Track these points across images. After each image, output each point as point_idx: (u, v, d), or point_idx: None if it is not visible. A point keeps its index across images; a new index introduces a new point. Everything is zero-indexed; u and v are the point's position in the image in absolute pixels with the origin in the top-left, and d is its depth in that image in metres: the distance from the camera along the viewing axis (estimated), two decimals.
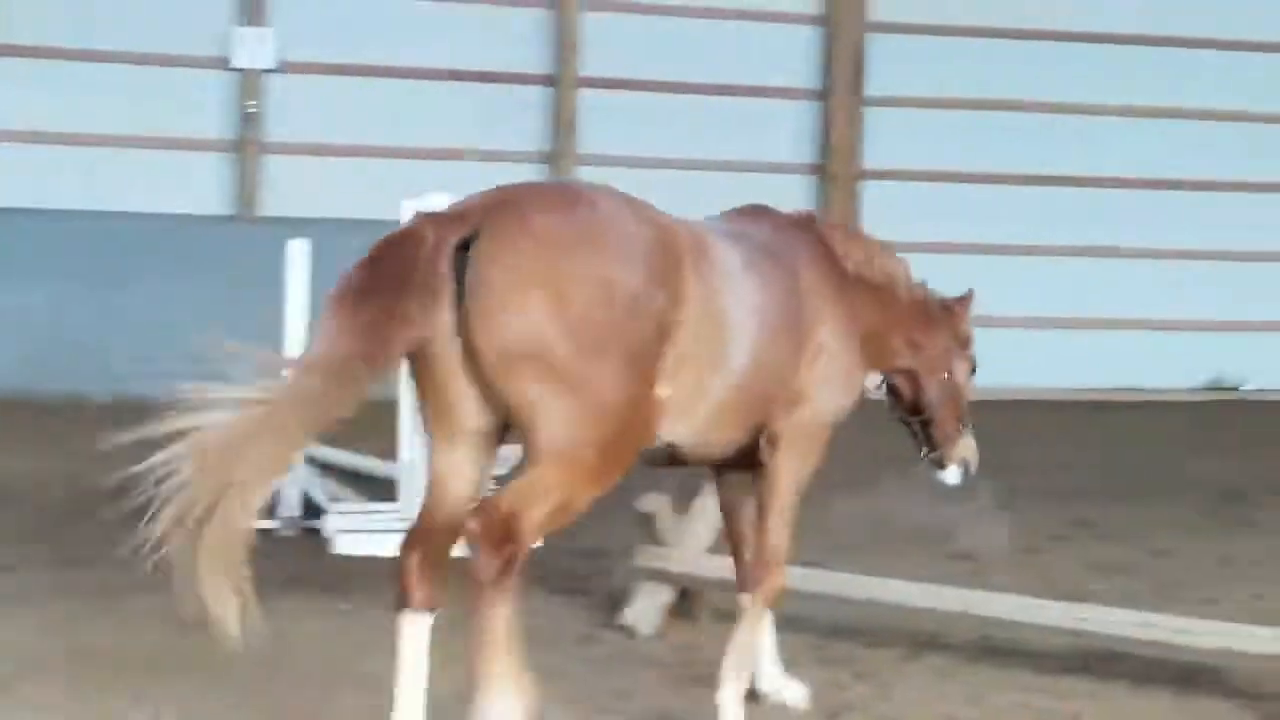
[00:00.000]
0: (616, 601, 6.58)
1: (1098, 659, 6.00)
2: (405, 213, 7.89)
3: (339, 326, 4.28)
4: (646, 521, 6.62)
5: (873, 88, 14.65)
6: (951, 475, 5.86)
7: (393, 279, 4.30)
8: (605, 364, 4.38)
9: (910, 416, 5.85)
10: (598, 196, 4.65)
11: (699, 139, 14.25)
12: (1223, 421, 13.35)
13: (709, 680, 5.21)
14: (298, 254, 8.41)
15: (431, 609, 4.54)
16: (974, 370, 5.92)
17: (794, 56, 14.59)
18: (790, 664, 5.74)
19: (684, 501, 6.58)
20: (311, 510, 8.06)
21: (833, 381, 5.31)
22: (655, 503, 6.60)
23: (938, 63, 14.66)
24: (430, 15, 13.88)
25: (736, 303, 4.87)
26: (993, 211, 14.68)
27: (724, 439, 5.06)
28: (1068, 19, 14.86)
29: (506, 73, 14.02)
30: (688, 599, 6.59)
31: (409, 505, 7.69)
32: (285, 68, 13.55)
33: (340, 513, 7.87)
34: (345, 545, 7.57)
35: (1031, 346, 14.27)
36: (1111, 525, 8.68)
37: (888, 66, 14.65)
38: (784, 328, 5.09)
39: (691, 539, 6.52)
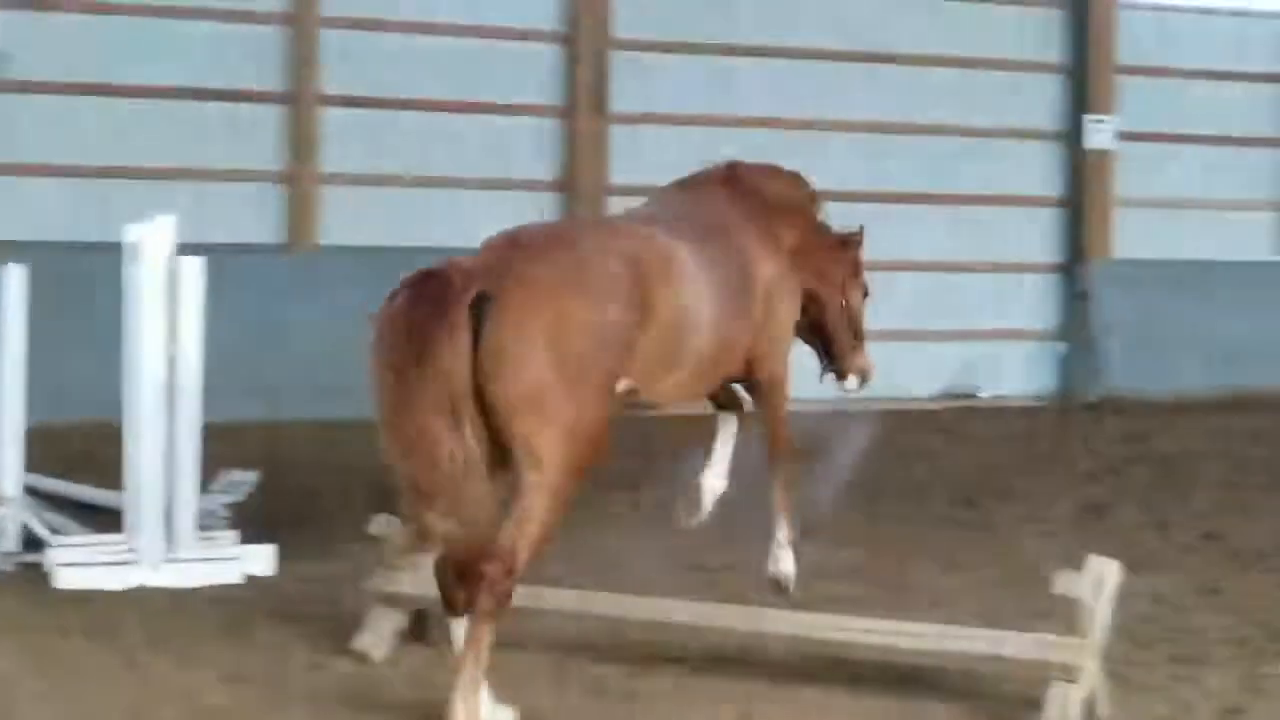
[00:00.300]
0: (348, 628, 6.45)
1: (825, 664, 6.07)
2: (129, 235, 7.67)
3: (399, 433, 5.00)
4: (378, 545, 6.54)
5: (616, 104, 14.72)
6: (851, 384, 6.87)
7: (425, 327, 4.92)
8: (586, 394, 5.08)
9: (812, 335, 6.78)
10: (582, 241, 5.39)
11: (442, 156, 14.15)
12: (957, 427, 13.67)
13: (442, 705, 5.12)
14: (12, 280, 8.12)
15: None
16: (866, 296, 6.91)
17: (536, 73, 14.58)
18: (522, 682, 5.70)
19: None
20: (32, 544, 7.75)
21: (783, 304, 6.30)
22: (386, 525, 6.51)
23: (679, 79, 14.79)
24: (161, 31, 13.44)
25: (695, 297, 5.63)
26: None
27: (699, 391, 6.07)
28: (808, 36, 15.12)
29: (242, 90, 13.68)
30: (421, 622, 6.49)
31: (134, 536, 7.47)
32: (4, 86, 13.04)
33: (62, 545, 7.56)
34: (68, 579, 7.29)
35: None
36: (842, 530, 8.75)
37: (631, 83, 14.73)
38: (734, 291, 5.94)
39: (424, 561, 6.43)
